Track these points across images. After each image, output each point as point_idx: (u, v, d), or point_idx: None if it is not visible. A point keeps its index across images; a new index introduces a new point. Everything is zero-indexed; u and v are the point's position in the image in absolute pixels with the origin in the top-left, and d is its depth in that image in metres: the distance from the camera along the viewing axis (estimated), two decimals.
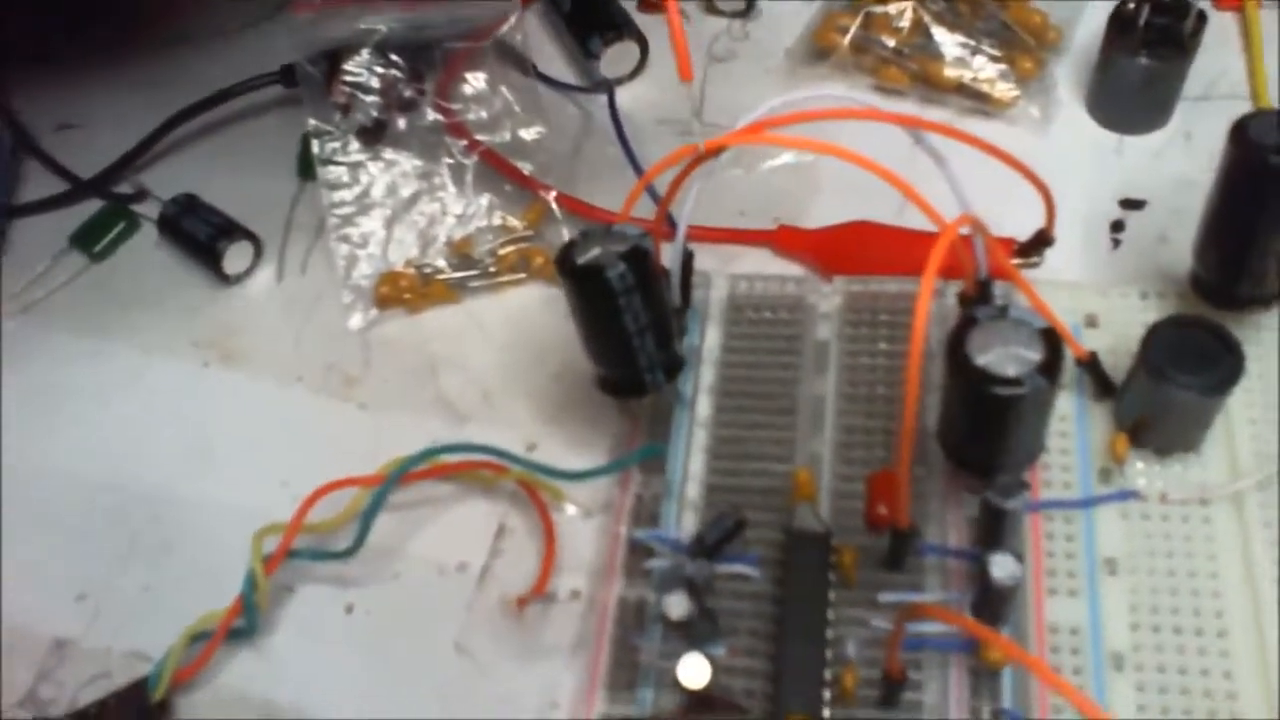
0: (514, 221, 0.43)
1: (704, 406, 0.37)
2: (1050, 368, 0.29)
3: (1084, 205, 0.42)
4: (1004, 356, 0.29)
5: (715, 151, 0.33)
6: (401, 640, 0.36)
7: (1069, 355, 0.34)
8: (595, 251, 0.32)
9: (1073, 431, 0.35)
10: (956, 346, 0.29)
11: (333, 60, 0.43)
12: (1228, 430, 0.34)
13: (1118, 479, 0.34)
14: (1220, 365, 0.31)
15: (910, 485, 0.30)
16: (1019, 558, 0.28)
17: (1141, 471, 0.34)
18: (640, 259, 0.32)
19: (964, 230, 0.30)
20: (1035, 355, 0.29)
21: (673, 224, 0.35)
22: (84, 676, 0.36)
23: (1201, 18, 0.40)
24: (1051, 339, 0.29)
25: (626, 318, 0.32)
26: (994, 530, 0.29)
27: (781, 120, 0.32)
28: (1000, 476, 0.28)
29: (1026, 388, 0.28)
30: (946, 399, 0.31)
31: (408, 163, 0.43)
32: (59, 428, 0.42)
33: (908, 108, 0.45)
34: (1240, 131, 0.31)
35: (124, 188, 0.48)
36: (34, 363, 0.43)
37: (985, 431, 0.30)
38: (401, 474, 0.36)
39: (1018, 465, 0.32)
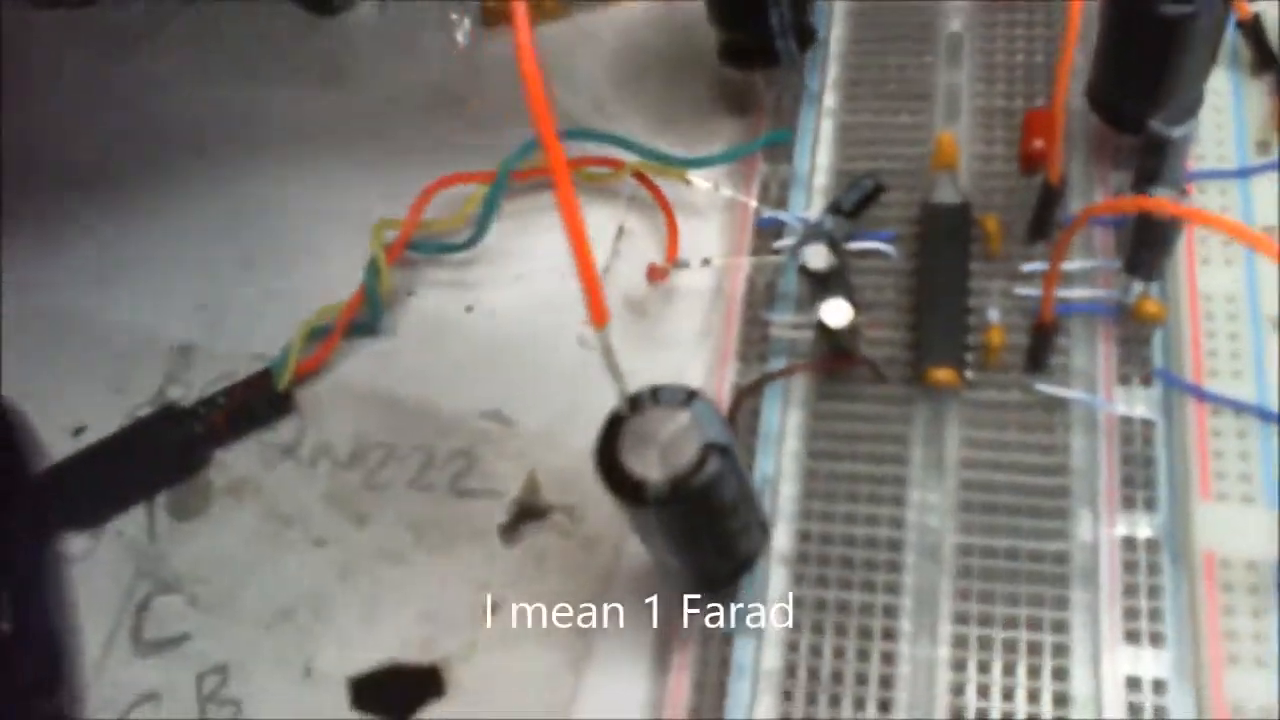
0: None
1: (830, 100, 0.36)
2: None
3: None
4: None
5: None
6: (523, 336, 0.36)
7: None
8: None
9: (1227, 106, 0.33)
10: None
11: None
12: None
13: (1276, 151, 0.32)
14: None
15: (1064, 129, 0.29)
16: (1182, 191, 0.27)
17: None
18: None
19: None
20: None
21: None
22: (210, 376, 0.37)
23: None
24: None
25: None
26: (1156, 163, 0.27)
27: None
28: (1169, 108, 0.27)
29: (1196, 5, 0.27)
30: (1103, 38, 0.29)
31: None
32: None
33: None
34: None
35: None
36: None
37: (1146, 67, 0.29)
38: (519, 160, 0.35)
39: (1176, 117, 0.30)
